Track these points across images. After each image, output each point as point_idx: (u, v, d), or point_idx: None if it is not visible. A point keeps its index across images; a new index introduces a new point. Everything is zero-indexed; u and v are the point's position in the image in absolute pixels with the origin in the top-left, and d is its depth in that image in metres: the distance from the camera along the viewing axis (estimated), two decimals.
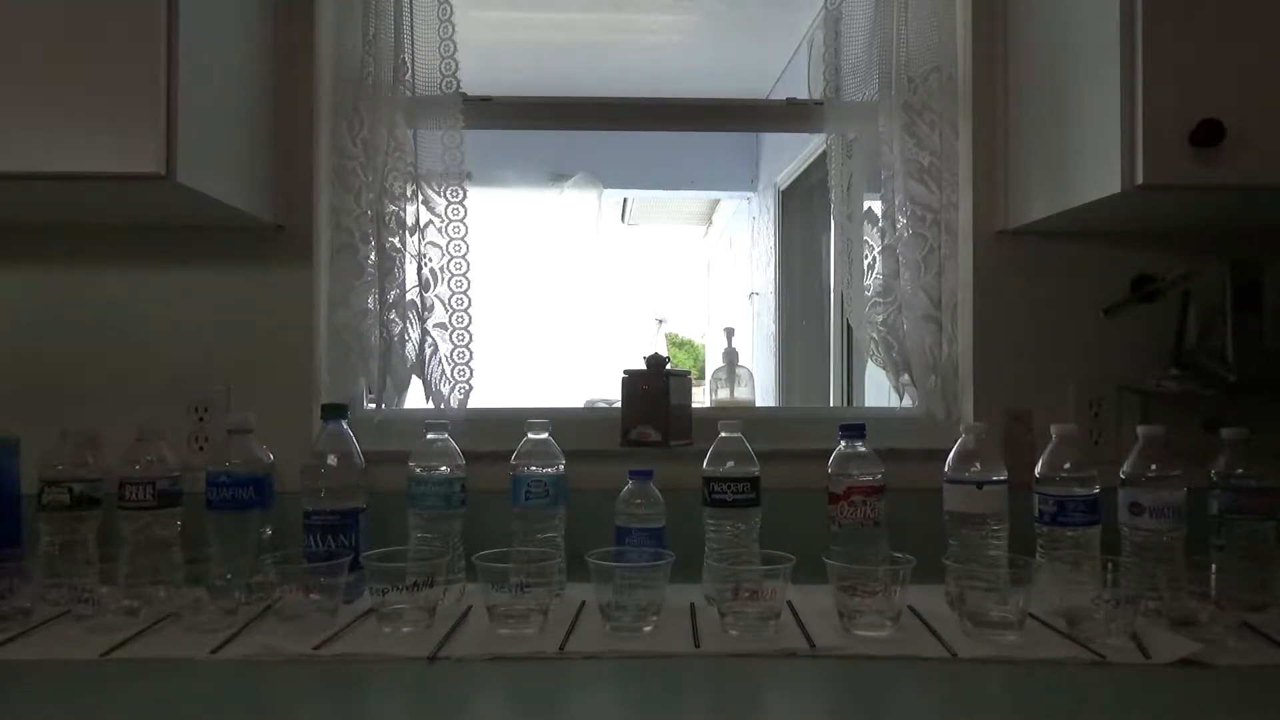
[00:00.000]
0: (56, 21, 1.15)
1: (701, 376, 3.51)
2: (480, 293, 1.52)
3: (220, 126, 1.31)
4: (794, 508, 1.37)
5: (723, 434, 1.35)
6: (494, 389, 1.80)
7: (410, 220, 1.49)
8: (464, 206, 1.51)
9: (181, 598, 1.16)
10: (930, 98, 1.50)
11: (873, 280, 1.56)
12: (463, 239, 1.51)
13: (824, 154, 1.60)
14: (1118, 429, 1.50)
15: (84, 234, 1.48)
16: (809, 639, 1.11)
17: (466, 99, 1.51)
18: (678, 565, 1.19)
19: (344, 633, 1.13)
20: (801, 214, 3.37)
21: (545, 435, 1.36)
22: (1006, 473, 1.30)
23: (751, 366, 1.90)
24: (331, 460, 1.32)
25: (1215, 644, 1.08)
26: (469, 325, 1.51)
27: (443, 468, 1.33)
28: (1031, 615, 1.15)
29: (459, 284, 1.51)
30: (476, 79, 1.54)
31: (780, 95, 1.92)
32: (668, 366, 1.55)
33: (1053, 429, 1.32)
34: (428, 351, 1.50)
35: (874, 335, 1.56)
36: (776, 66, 3.31)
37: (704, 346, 6.23)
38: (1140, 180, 1.17)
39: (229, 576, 1.18)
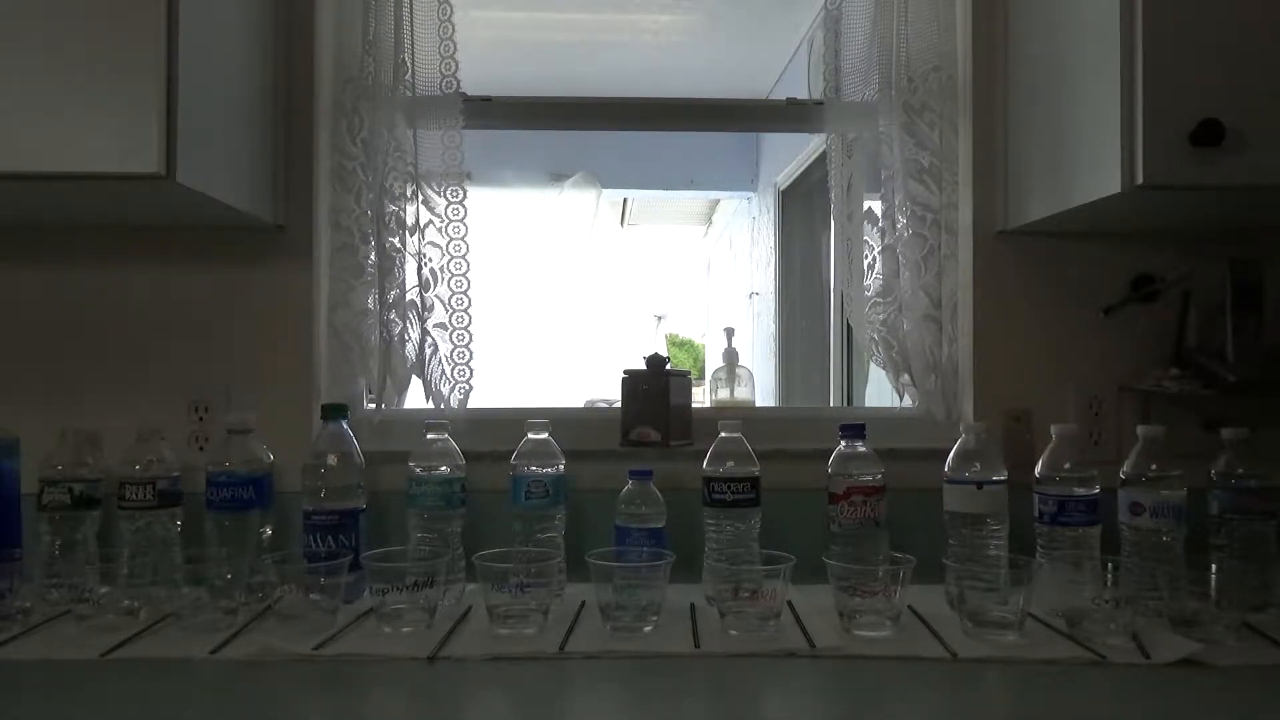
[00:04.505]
0: (56, 21, 1.14)
1: (701, 376, 3.51)
2: (480, 293, 1.52)
3: (220, 126, 1.31)
4: (794, 508, 1.37)
5: (723, 434, 1.36)
6: (494, 389, 1.80)
7: (410, 220, 1.49)
8: (464, 206, 1.51)
9: (181, 598, 1.16)
10: (930, 98, 1.50)
11: (873, 280, 1.56)
12: (463, 239, 1.51)
13: (824, 154, 1.60)
14: (1118, 429, 1.50)
15: (84, 234, 1.48)
16: (809, 639, 1.11)
17: (466, 99, 1.51)
18: (678, 565, 1.19)
19: (344, 633, 1.13)
20: (801, 214, 3.37)
21: (545, 435, 1.36)
22: (1006, 473, 1.30)
23: (751, 366, 1.89)
24: (331, 460, 1.32)
25: (1215, 644, 1.08)
26: (469, 325, 1.51)
27: (443, 468, 1.33)
28: (1031, 615, 1.15)
29: (459, 284, 1.51)
30: (476, 79, 1.54)
31: (780, 95, 1.92)
32: (668, 366, 1.55)
33: (1053, 429, 1.32)
34: (428, 351, 1.50)
35: (874, 335, 1.55)
36: (776, 66, 3.32)
37: (704, 346, 6.23)
38: (1140, 180, 1.17)
39: (229, 576, 1.18)
